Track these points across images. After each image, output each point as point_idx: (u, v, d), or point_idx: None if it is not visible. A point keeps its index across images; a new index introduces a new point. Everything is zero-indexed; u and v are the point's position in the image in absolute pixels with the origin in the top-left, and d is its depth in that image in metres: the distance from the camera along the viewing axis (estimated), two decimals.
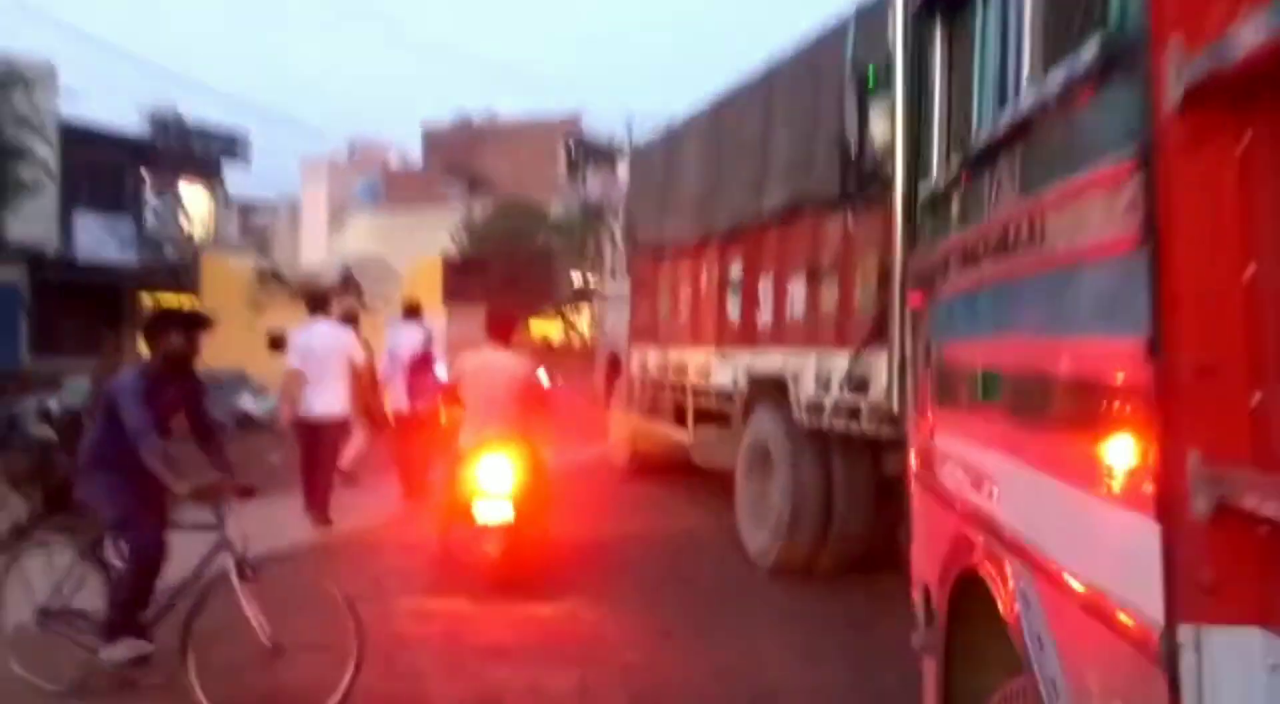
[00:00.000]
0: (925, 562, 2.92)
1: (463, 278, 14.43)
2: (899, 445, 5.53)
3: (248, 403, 14.23)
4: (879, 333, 5.49)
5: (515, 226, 32.92)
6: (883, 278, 5.47)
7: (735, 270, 7.69)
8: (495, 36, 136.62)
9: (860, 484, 6.48)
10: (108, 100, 45.73)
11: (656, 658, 5.17)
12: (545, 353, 25.63)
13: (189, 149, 27.12)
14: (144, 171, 25.98)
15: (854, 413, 5.81)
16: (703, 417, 8.58)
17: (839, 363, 5.95)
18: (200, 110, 27.50)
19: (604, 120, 42.69)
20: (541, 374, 7.64)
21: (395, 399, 9.13)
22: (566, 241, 34.67)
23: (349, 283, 14.99)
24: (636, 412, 10.26)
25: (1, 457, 7.53)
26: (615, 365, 11.22)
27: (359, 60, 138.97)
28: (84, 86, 39.67)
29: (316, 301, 8.53)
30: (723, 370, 7.79)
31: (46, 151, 21.24)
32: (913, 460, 3.27)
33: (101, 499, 4.49)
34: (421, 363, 9.12)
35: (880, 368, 5.53)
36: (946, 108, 2.92)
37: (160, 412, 4.46)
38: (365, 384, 8.39)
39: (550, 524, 6.76)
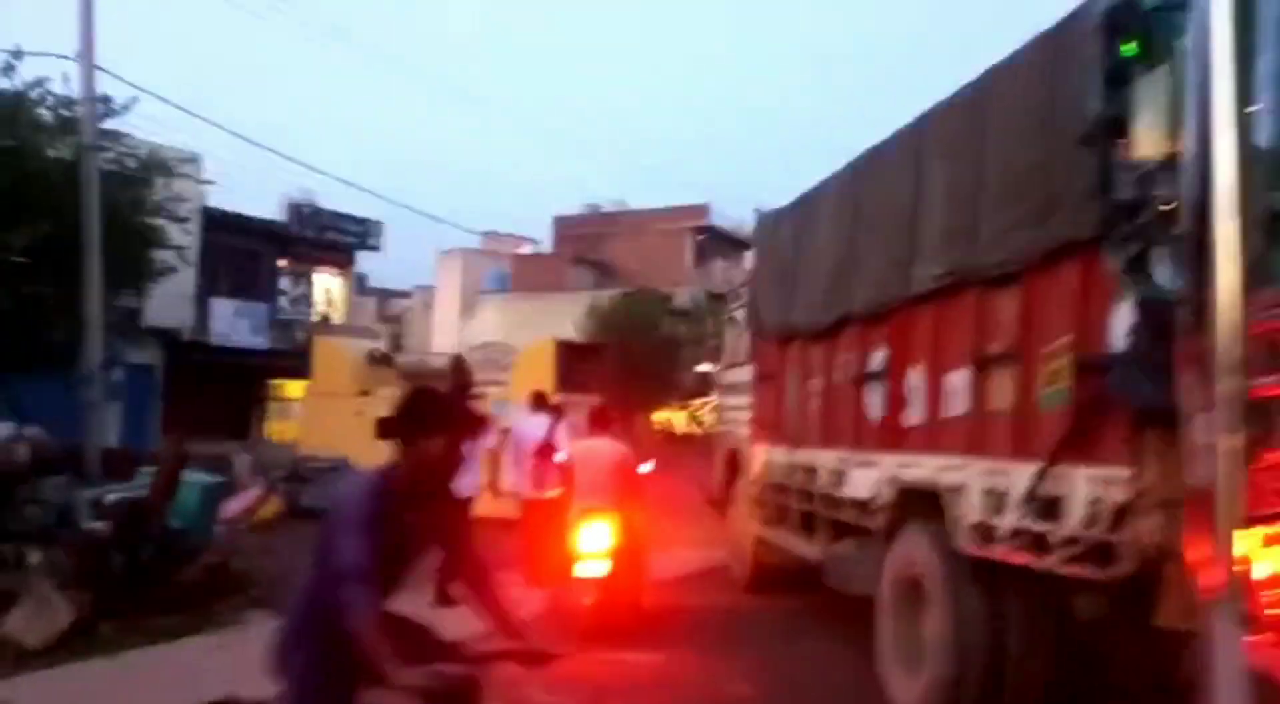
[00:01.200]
0: None
1: (578, 363, 13.46)
2: (1096, 584, 4.23)
3: None
4: (1078, 439, 4.20)
5: (640, 313, 32.33)
6: (1082, 364, 4.23)
7: (878, 359, 6.47)
8: (626, 128, 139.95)
9: (1043, 632, 5.04)
10: (251, 192, 48.42)
11: None
12: (665, 443, 24.58)
13: (323, 236, 27.68)
14: (279, 258, 26.57)
15: (1039, 543, 4.46)
16: (835, 531, 7.28)
17: (1017, 478, 4.63)
18: (338, 201, 28.06)
19: (733, 211, 42.09)
20: (645, 465, 8.72)
21: (519, 484, 9.31)
22: (692, 330, 33.97)
23: (459, 369, 14.32)
24: (759, 518, 8.99)
25: (49, 553, 6.84)
26: (735, 463, 10.01)
27: (489, 150, 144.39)
28: (228, 178, 41.53)
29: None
30: (861, 478, 6.50)
31: (186, 238, 21.77)
32: None
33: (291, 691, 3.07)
34: (545, 450, 9.19)
35: (1079, 487, 4.22)
36: None
37: (394, 550, 3.01)
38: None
39: (648, 634, 7.44)
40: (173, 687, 5.89)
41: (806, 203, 8.06)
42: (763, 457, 8.91)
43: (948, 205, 5.60)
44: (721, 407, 10.73)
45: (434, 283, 43.25)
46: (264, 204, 27.53)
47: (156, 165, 20.96)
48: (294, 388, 24.07)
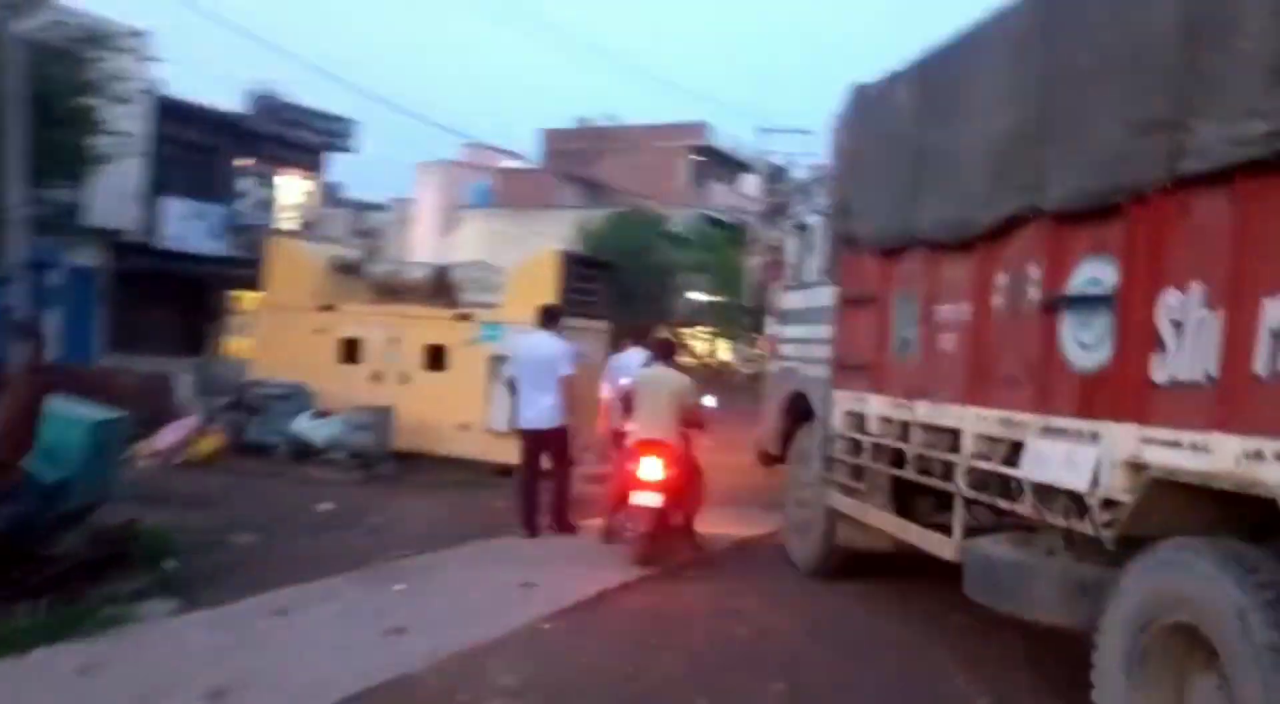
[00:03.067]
0: None
1: (583, 282, 11.16)
2: None
3: (303, 426, 11.27)
4: None
5: (633, 235, 29.99)
6: None
7: (1094, 275, 4.27)
8: (625, 36, 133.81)
9: None
10: (215, 85, 44.76)
11: None
12: (711, 378, 22.34)
13: (290, 133, 24.87)
14: (240, 155, 23.83)
15: None
16: (984, 520, 5.18)
17: None
18: (308, 98, 24.94)
19: (732, 130, 39.36)
20: (708, 399, 8.91)
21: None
22: (687, 255, 31.63)
23: (442, 284, 11.98)
24: (837, 485, 6.88)
25: None
26: (797, 412, 7.86)
27: (473, 57, 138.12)
28: (188, 65, 37.87)
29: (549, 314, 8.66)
30: (1059, 455, 4.34)
31: (131, 125, 18.99)
32: None
33: None
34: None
35: None
36: None
37: None
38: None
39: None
40: None
41: (946, 59, 5.72)
42: (848, 406, 6.76)
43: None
44: (779, 339, 8.52)
45: (412, 196, 40.39)
46: (227, 98, 24.50)
47: (94, 38, 18.19)
48: (254, 300, 21.57)
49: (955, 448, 5.26)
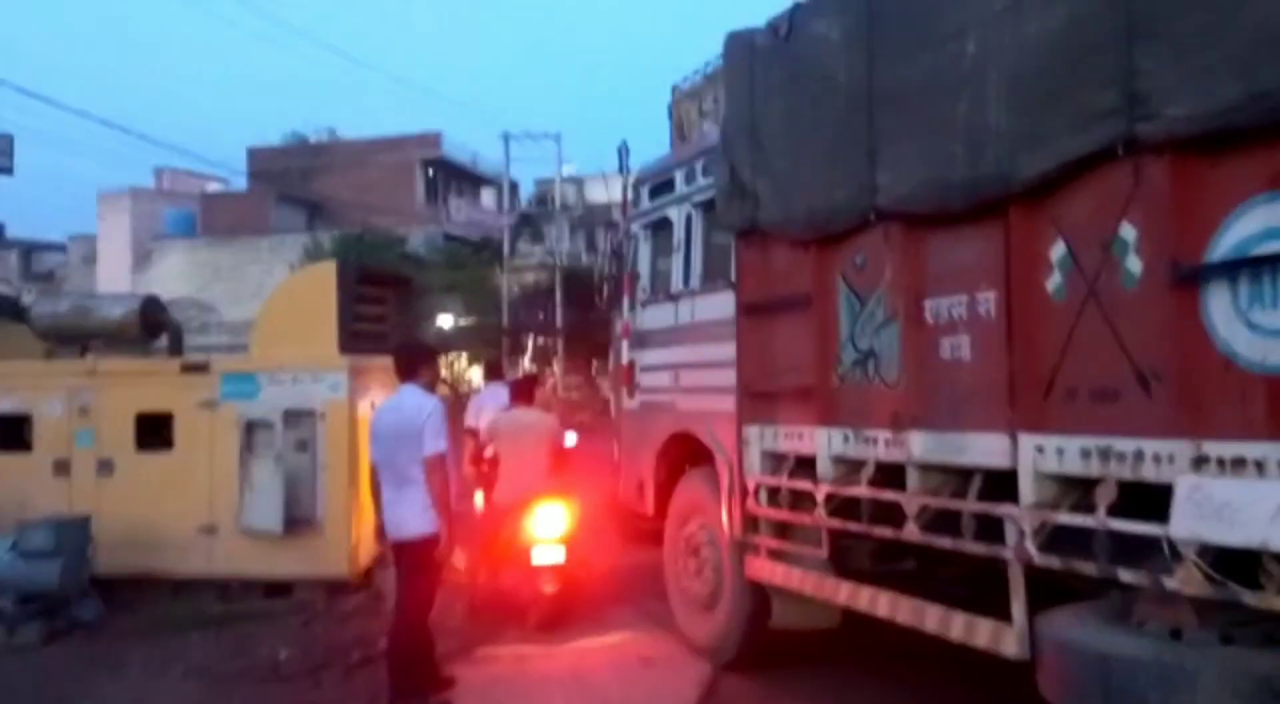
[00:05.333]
0: None
1: (369, 305, 8.27)
2: None
3: None
4: None
5: (370, 258, 27.17)
6: None
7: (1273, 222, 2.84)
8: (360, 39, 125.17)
9: None
10: None
11: None
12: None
13: None
14: None
15: None
16: (1053, 595, 3.66)
17: None
18: None
19: (471, 139, 37.17)
20: (569, 436, 7.64)
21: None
22: (433, 277, 29.18)
23: (156, 322, 8.98)
24: (766, 554, 5.18)
25: None
26: (678, 457, 6.11)
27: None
28: None
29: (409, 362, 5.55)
30: (1242, 498, 2.85)
31: None
32: None
33: None
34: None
35: None
36: None
37: None
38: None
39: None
40: None
41: None
42: (770, 445, 5.08)
43: None
44: (640, 367, 6.70)
45: (95, 233, 34.83)
46: None
47: None
48: None
49: (990, 493, 3.71)
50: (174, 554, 7.62)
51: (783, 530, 5.11)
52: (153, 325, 8.71)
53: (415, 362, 5.49)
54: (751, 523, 5.25)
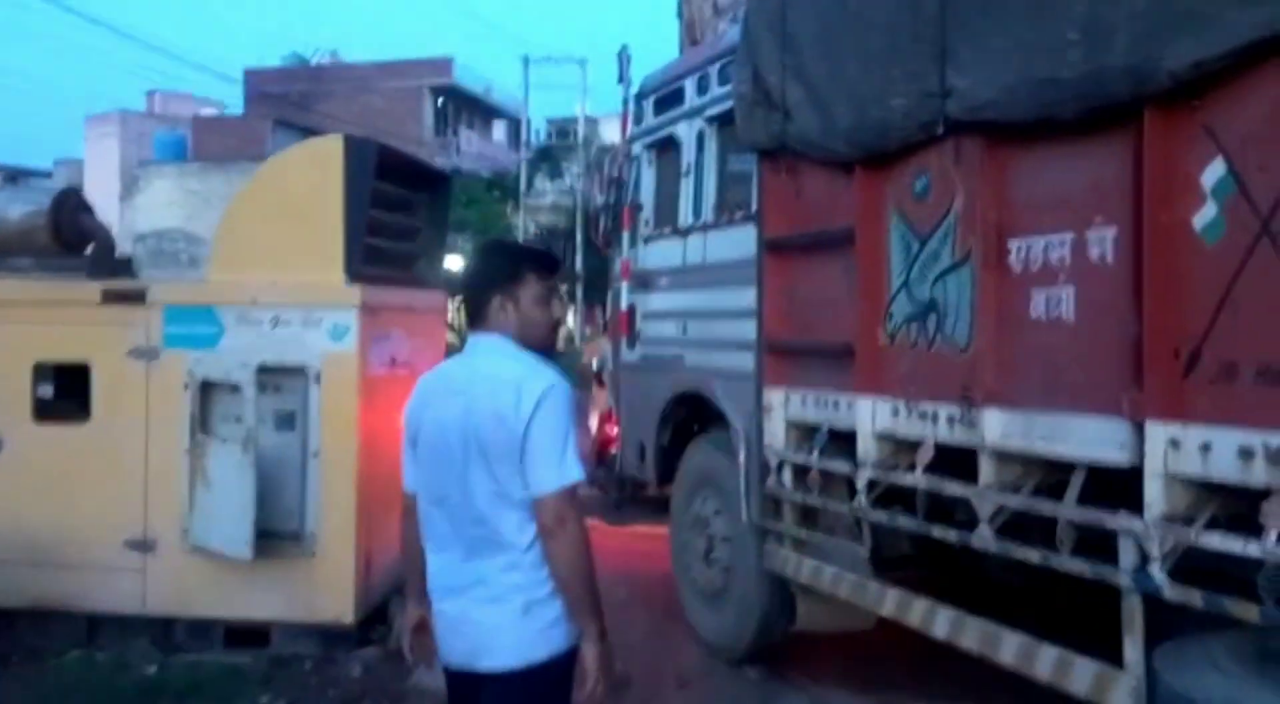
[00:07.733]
0: None
1: (399, 212, 5.71)
2: None
3: None
4: None
5: None
6: None
7: None
8: None
9: None
10: None
11: None
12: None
13: None
14: None
15: None
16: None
17: None
18: None
19: (482, 72, 35.58)
20: None
21: None
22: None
23: (77, 227, 6.24)
24: (791, 543, 4.31)
25: None
26: (685, 421, 5.23)
27: None
28: None
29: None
30: None
31: None
32: None
33: None
34: None
35: None
36: None
37: None
38: None
39: None
40: None
41: None
42: (797, 414, 4.19)
43: None
44: (641, 314, 5.75)
45: (82, 158, 33.66)
46: None
47: None
48: None
49: (1096, 495, 2.81)
50: (90, 579, 4.96)
51: (811, 516, 4.24)
52: (72, 233, 5.77)
53: (511, 283, 2.48)
54: (773, 506, 4.37)
